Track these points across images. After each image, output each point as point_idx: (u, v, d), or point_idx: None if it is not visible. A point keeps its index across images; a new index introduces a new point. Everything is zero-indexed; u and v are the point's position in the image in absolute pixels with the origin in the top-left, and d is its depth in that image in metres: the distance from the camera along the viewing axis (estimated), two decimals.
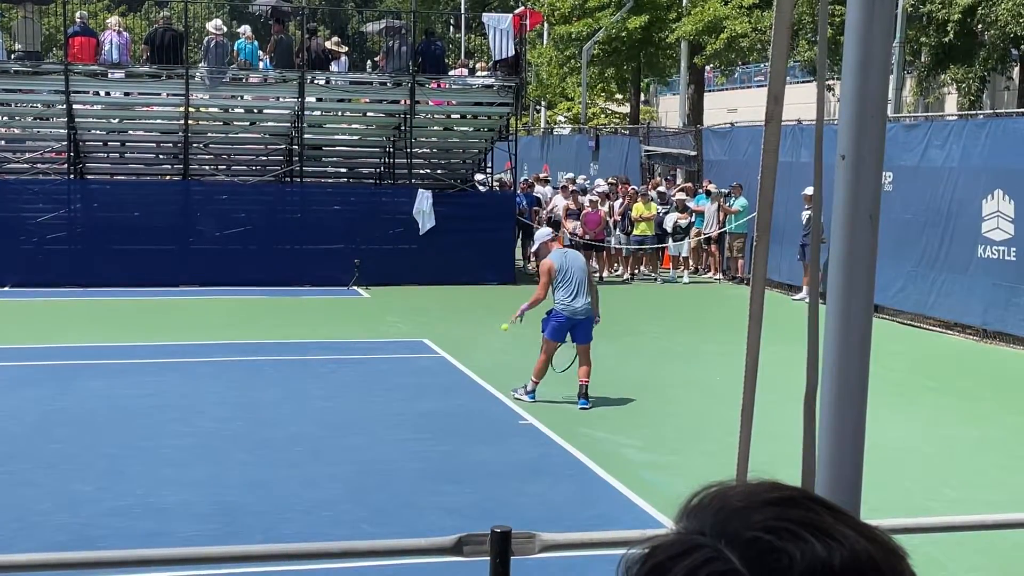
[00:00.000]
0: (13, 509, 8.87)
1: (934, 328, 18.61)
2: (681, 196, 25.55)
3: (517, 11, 26.40)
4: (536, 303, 12.92)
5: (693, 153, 27.74)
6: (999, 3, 25.72)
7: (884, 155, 2.47)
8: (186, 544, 7.92)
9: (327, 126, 25.84)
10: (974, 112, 24.71)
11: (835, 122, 2.63)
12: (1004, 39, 26.57)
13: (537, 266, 14.26)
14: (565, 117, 44.73)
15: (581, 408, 12.63)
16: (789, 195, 20.07)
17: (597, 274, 25.16)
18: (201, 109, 24.32)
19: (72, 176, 22.94)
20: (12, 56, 22.78)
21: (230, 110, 25.28)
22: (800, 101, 25.71)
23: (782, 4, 2.44)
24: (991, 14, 25.96)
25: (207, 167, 24.58)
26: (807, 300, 2.59)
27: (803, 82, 37.45)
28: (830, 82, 28.75)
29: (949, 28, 27.14)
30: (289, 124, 24.06)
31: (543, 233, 13.80)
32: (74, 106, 22.66)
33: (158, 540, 8.18)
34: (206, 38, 23.36)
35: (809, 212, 19.16)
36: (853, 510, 2.45)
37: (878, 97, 2.42)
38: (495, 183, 26.14)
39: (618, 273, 25.73)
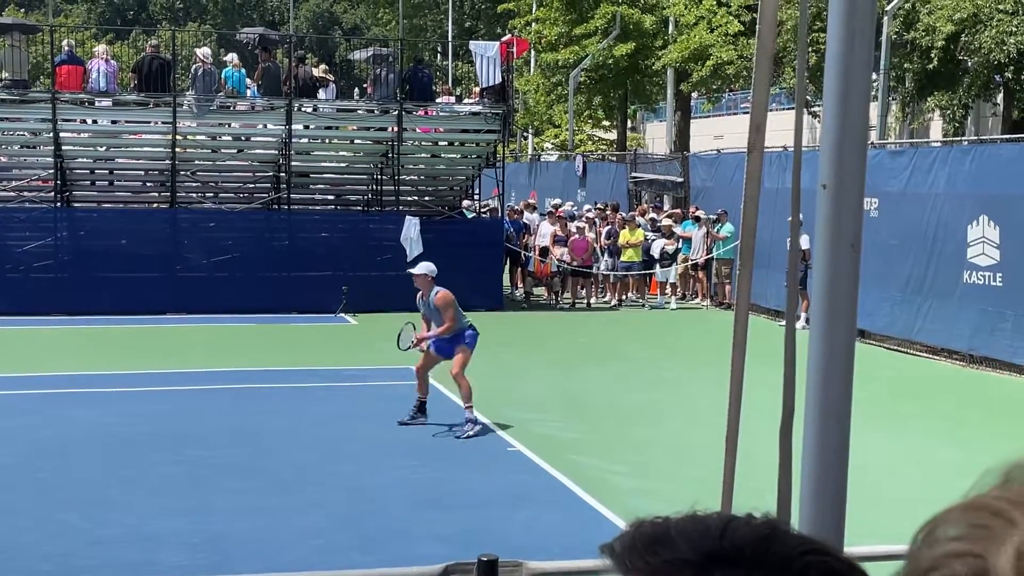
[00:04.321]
0: None
1: (921, 353, 18.66)
2: (668, 222, 25.62)
3: (504, 39, 26.49)
4: (450, 330, 12.72)
5: (680, 179, 27.83)
6: (982, 30, 25.92)
7: (865, 184, 2.50)
8: (174, 574, 7.89)
9: (315, 153, 25.87)
10: (959, 139, 24.86)
11: (819, 149, 2.66)
12: (987, 66, 26.76)
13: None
14: (552, 144, 44.84)
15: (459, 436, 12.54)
16: (776, 221, 20.10)
17: (584, 300, 25.22)
18: (188, 137, 24.33)
19: (59, 204, 22.90)
20: None
21: (217, 138, 25.30)
22: (786, 128, 25.70)
23: (763, 36, 2.47)
24: (974, 41, 26.15)
25: (194, 195, 24.57)
26: (802, 327, 2.62)
27: (789, 109, 37.55)
28: (815, 108, 28.90)
29: (933, 55, 27.33)
30: (277, 151, 24.08)
31: (431, 267, 13.06)
32: (61, 134, 22.66)
33: (145, 570, 8.15)
34: (194, 66, 23.38)
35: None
36: (837, 533, 2.47)
37: (858, 127, 2.45)
38: (482, 211, 26.19)
39: (605, 299, 25.76)
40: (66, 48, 23.42)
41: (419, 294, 12.93)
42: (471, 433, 12.53)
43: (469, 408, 12.64)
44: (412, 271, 13.18)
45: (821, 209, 2.46)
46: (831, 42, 2.43)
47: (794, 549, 0.92)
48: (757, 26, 2.62)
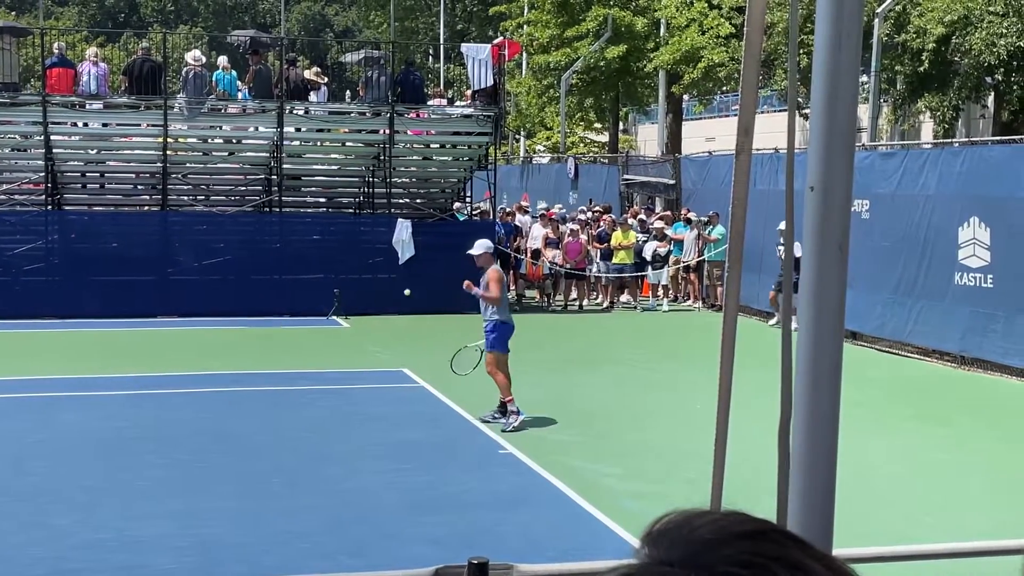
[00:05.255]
0: None
1: (912, 355, 18.68)
2: (660, 224, 25.64)
3: (496, 41, 26.49)
4: (489, 300, 13.09)
5: (672, 182, 27.85)
6: (973, 32, 25.99)
7: (853, 185, 2.50)
8: None
9: (306, 156, 25.86)
10: (949, 140, 24.92)
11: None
12: (978, 68, 26.83)
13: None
14: (544, 146, 44.86)
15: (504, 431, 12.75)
16: (767, 223, 20.17)
17: (577, 303, 25.22)
18: (180, 139, 24.29)
19: (50, 207, 22.87)
20: None
21: (209, 140, 25.26)
22: (778, 130, 25.85)
23: (751, 39, 2.46)
24: (965, 43, 26.23)
25: (186, 197, 24.53)
26: (795, 328, 2.61)
27: (780, 111, 37.71)
28: (808, 110, 28.97)
29: (924, 57, 27.42)
30: (268, 154, 24.06)
31: (487, 244, 13.66)
32: (52, 137, 22.62)
33: (135, 573, 8.13)
34: (184, 69, 23.35)
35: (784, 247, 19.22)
36: (825, 537, 2.46)
37: (846, 129, 2.45)
38: (474, 213, 26.18)
39: (598, 301, 25.77)
40: (57, 51, 23.37)
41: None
42: (515, 424, 12.76)
43: (509, 400, 12.87)
44: (470, 251, 13.45)
45: (808, 211, 2.46)
46: (818, 44, 2.43)
47: (726, 559, 0.93)
48: (745, 29, 2.62)
